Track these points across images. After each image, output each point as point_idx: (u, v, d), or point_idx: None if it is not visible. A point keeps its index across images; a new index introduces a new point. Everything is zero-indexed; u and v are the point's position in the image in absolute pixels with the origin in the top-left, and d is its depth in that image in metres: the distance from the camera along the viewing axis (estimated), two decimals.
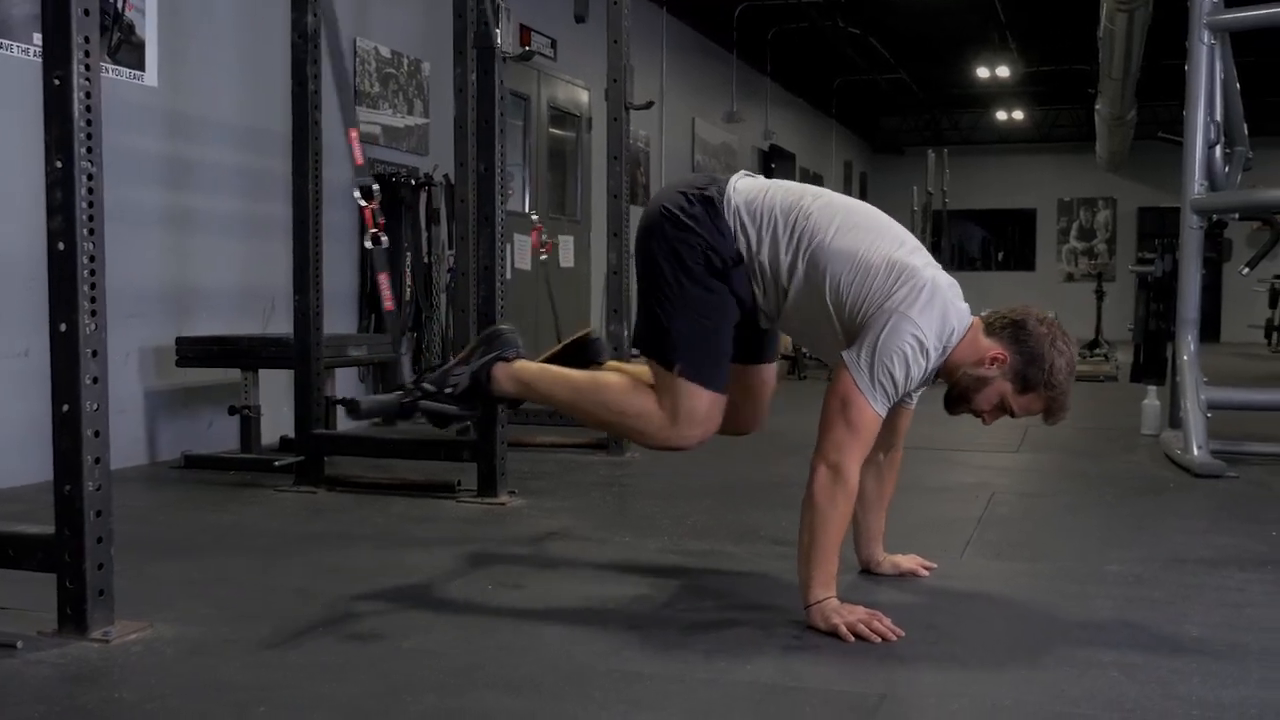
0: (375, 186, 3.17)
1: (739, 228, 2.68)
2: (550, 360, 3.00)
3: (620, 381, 2.82)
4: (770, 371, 3.00)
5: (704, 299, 2.67)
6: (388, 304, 3.12)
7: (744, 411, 2.90)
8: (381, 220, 3.08)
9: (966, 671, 2.30)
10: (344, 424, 5.28)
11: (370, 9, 6.73)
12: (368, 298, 6.56)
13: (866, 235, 2.65)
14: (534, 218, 7.48)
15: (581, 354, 3.02)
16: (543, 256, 6.95)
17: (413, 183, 6.59)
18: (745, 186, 2.74)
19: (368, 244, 3.05)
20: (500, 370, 2.90)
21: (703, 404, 2.68)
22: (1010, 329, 2.65)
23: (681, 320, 2.68)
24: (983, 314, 2.72)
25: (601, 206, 5.61)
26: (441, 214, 6.69)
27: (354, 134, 3.11)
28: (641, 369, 2.84)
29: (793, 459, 4.63)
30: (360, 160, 3.11)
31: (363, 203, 3.08)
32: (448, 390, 2.92)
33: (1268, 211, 6.16)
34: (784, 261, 2.66)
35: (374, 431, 5.49)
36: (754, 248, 2.67)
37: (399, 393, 2.98)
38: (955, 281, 2.68)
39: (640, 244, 2.79)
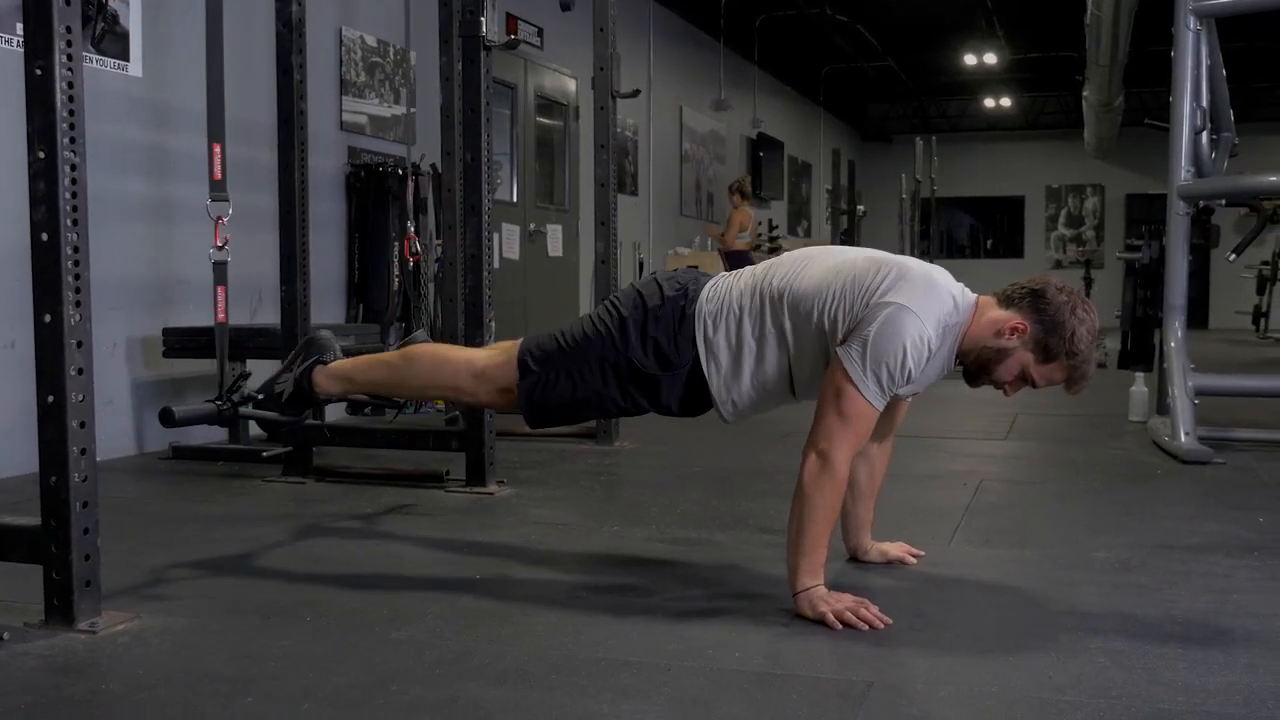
0: (229, 207, 3.34)
1: (704, 326, 2.69)
2: None
3: (430, 348, 3.04)
4: None
5: (609, 356, 2.72)
6: (220, 316, 3.28)
7: None
8: (228, 237, 3.27)
9: (954, 658, 2.31)
10: (332, 414, 5.26)
11: None
12: (355, 288, 6.55)
13: (832, 255, 2.70)
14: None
15: None
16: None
17: (399, 172, 6.57)
18: (706, 295, 2.74)
19: (210, 257, 3.22)
20: (319, 373, 3.05)
21: (510, 378, 2.81)
22: (1030, 298, 2.64)
23: (573, 337, 2.77)
24: (998, 290, 2.72)
25: (590, 195, 5.59)
26: (429, 203, 6.66)
27: (216, 149, 3.22)
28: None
29: (780, 447, 4.64)
30: (218, 175, 3.24)
31: (213, 217, 3.26)
32: (277, 395, 3.07)
33: (1254, 197, 6.17)
34: (770, 328, 2.66)
35: (362, 422, 5.49)
36: (725, 341, 2.68)
37: (216, 401, 3.14)
38: (943, 269, 2.69)
39: (626, 287, 2.88)
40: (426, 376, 2.98)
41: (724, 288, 2.74)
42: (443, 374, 2.95)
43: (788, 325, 2.64)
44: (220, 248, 3.22)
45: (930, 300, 2.55)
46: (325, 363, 3.05)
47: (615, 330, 2.73)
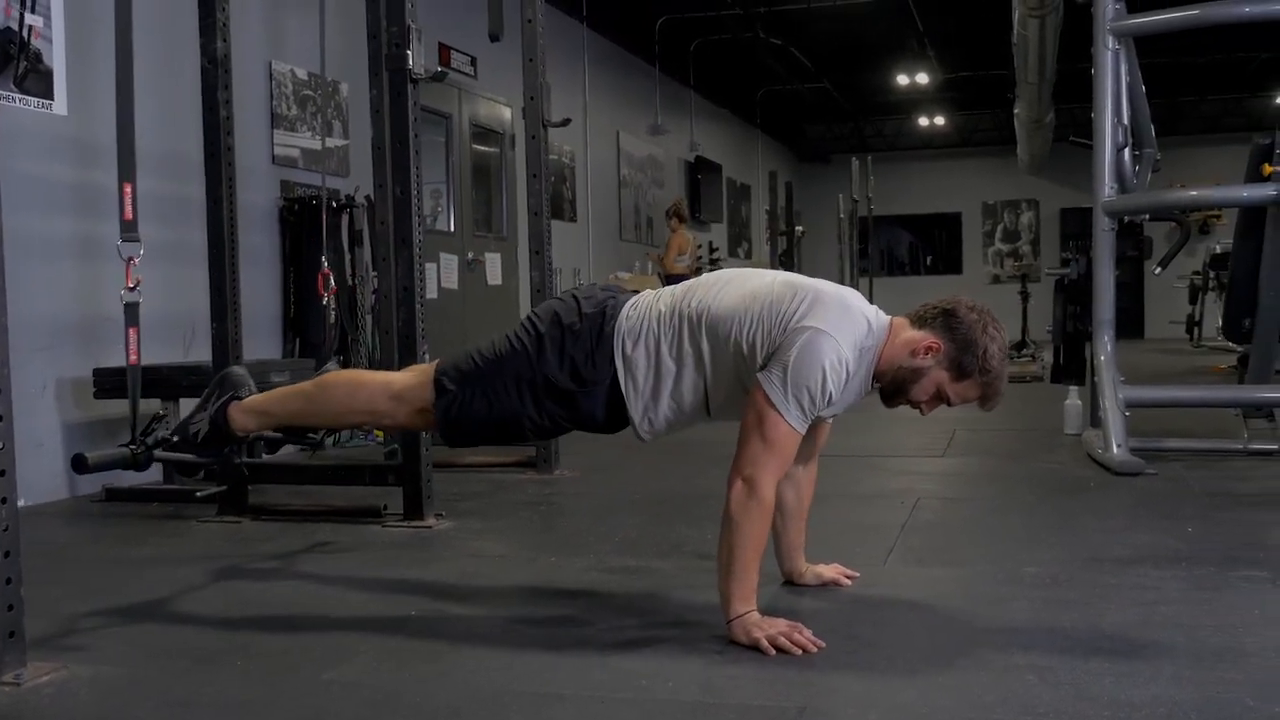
0: (140, 248, 3.33)
1: (623, 351, 2.70)
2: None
3: (343, 376, 3.04)
4: None
5: (524, 374, 2.73)
6: (133, 358, 3.29)
7: None
8: (140, 278, 3.27)
9: (885, 680, 2.33)
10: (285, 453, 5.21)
11: (285, 31, 6.68)
12: (291, 322, 6.50)
13: (749, 279, 2.72)
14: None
15: None
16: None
17: (334, 205, 6.54)
18: (626, 314, 2.76)
19: (122, 298, 3.21)
20: (234, 409, 3.01)
21: (427, 397, 2.81)
22: (942, 318, 2.67)
23: (491, 373, 2.76)
24: (909, 311, 2.75)
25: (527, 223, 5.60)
26: (364, 235, 6.64)
27: (128, 189, 3.22)
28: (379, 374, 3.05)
29: (718, 471, 4.65)
30: (129, 216, 3.25)
31: (124, 258, 3.25)
32: (194, 437, 3.02)
33: (1176, 212, 6.29)
34: (688, 350, 2.68)
35: (298, 458, 5.44)
36: (644, 358, 2.69)
37: (129, 445, 3.08)
38: (856, 292, 2.73)
39: (539, 306, 2.90)
40: (343, 402, 2.96)
41: (644, 307, 2.75)
42: (359, 398, 2.94)
43: (705, 347, 2.66)
44: (132, 289, 3.18)
45: (845, 323, 2.59)
46: (240, 398, 3.02)
47: (532, 348, 2.73)
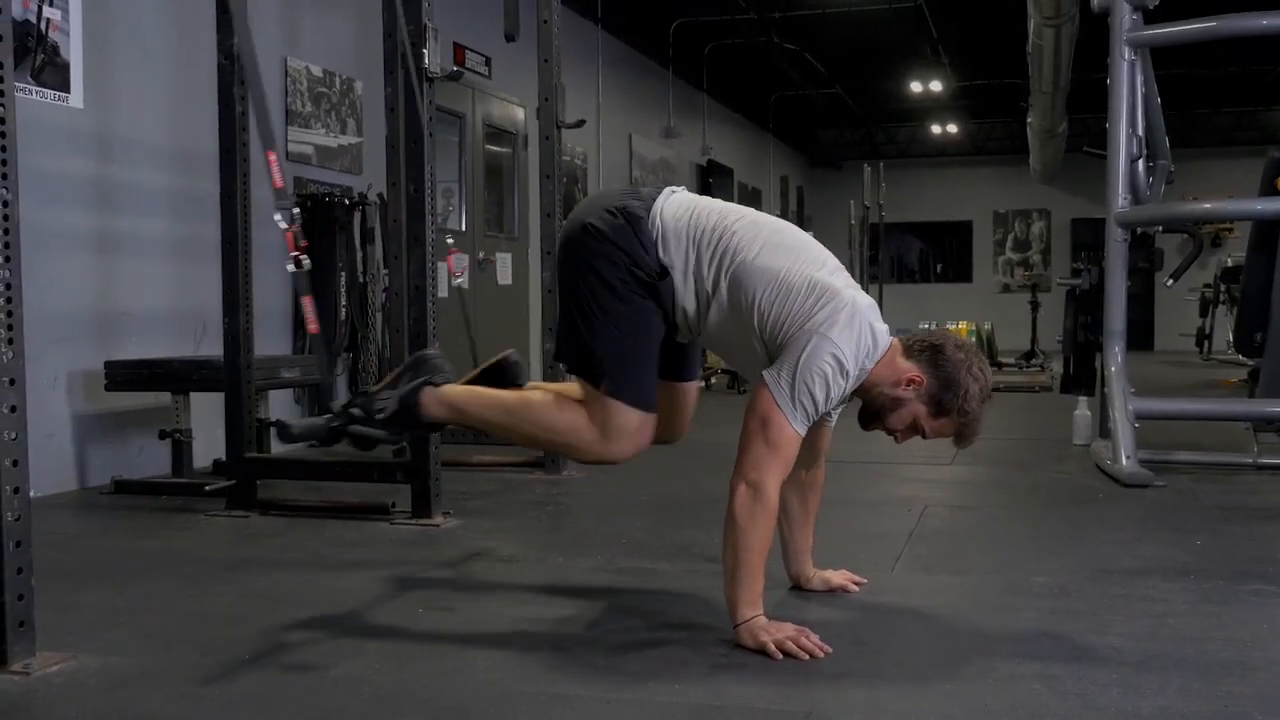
0: (296, 210, 3.14)
1: (661, 242, 2.68)
2: (471, 383, 3.00)
3: (548, 400, 2.83)
4: (693, 390, 3.01)
5: (627, 314, 2.67)
6: (312, 327, 3.08)
7: (670, 423, 2.91)
8: (304, 243, 3.04)
9: (892, 687, 2.33)
10: (277, 447, 5.23)
11: (301, 28, 6.70)
12: (301, 319, 6.51)
13: (789, 255, 2.67)
14: (450, 241, 7.42)
15: (501, 376, 3.02)
16: (457, 281, 6.88)
17: (346, 202, 6.56)
18: (673, 203, 2.75)
19: (290, 267, 3.01)
20: (428, 395, 2.89)
21: (632, 420, 2.68)
22: (929, 353, 2.68)
23: (605, 337, 2.68)
24: (903, 336, 2.75)
25: (539, 223, 5.61)
26: (376, 233, 6.65)
27: (272, 156, 3.07)
28: (569, 385, 2.85)
29: (726, 474, 4.65)
30: (279, 183, 3.07)
31: (284, 225, 3.04)
32: (376, 415, 2.90)
33: (1188, 224, 6.28)
34: (707, 278, 2.67)
35: (307, 454, 5.43)
36: (676, 263, 2.68)
37: (328, 416, 2.96)
38: (874, 303, 2.72)
39: (562, 258, 2.79)
40: (542, 427, 2.81)
41: (685, 210, 2.72)
42: (558, 430, 2.77)
43: (724, 285, 2.65)
44: (297, 257, 3.06)
45: (855, 335, 2.58)
46: (436, 384, 2.91)
47: (609, 295, 2.66)
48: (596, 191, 2.55)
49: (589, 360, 2.70)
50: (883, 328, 2.68)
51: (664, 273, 2.68)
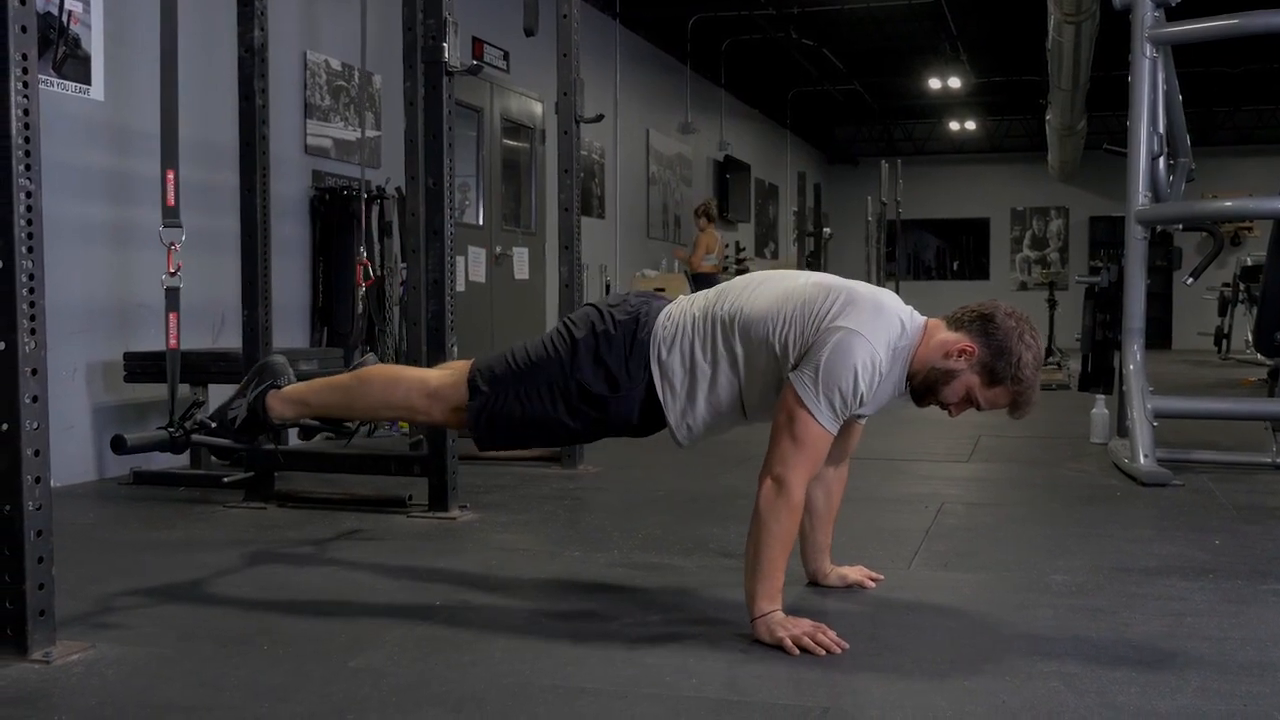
0: (182, 234, 3.35)
1: (659, 356, 2.71)
2: None
3: (382, 369, 3.07)
4: None
5: (559, 390, 2.74)
6: (172, 343, 3.31)
7: None
8: (180, 263, 3.28)
9: (909, 683, 2.32)
10: (295, 439, 5.24)
11: (320, 22, 6.71)
12: (319, 312, 6.53)
13: (783, 280, 2.72)
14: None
15: None
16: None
17: (364, 196, 6.56)
18: (661, 322, 2.76)
19: (163, 283, 3.23)
20: (273, 398, 3.04)
21: (461, 398, 2.83)
22: (979, 322, 2.67)
23: (527, 360, 2.79)
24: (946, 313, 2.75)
25: (556, 218, 5.61)
26: (394, 227, 6.66)
27: (170, 175, 3.25)
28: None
29: (741, 470, 4.66)
30: (171, 202, 3.27)
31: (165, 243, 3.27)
32: (231, 421, 3.06)
33: (1209, 222, 6.25)
34: (723, 351, 2.68)
35: (325, 446, 5.45)
36: (679, 363, 2.70)
37: (168, 428, 3.13)
38: (891, 292, 2.72)
39: (573, 311, 2.92)
40: (379, 396, 2.98)
41: (678, 314, 2.76)
42: (395, 393, 2.95)
43: (739, 349, 2.67)
44: (173, 274, 3.20)
45: (879, 323, 2.58)
46: (279, 387, 3.05)
47: (566, 354, 2.74)
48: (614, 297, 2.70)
49: (496, 369, 2.82)
50: (907, 310, 2.68)
51: (625, 388, 2.72)
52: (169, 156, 3.24)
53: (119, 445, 3.06)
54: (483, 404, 2.80)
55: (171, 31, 3.41)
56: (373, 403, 3.01)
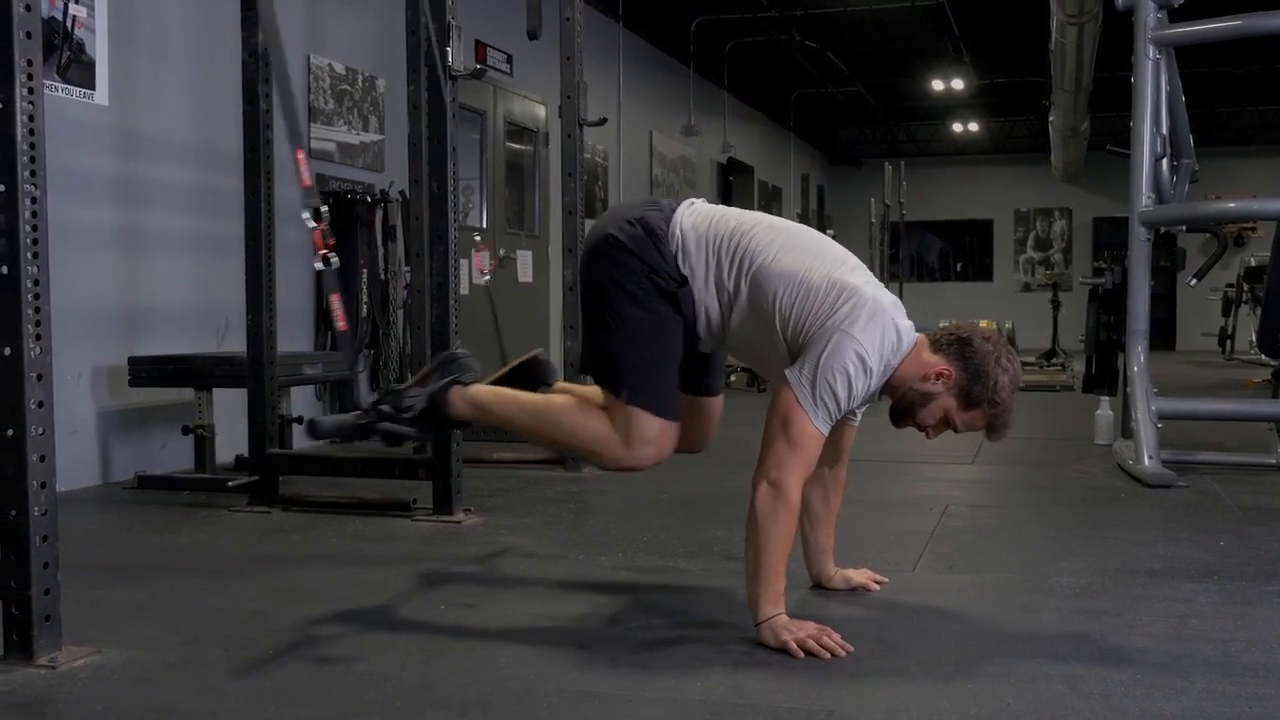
0: (324, 208, 3.15)
1: (681, 252, 2.70)
2: (499, 382, 3.01)
3: (571, 404, 2.84)
4: (718, 403, 3.01)
5: (646, 323, 2.69)
6: (340, 324, 3.10)
7: (694, 434, 2.91)
8: (331, 241, 3.05)
9: (914, 686, 2.32)
10: (299, 443, 5.25)
11: (324, 25, 6.72)
12: (323, 315, 6.54)
13: (808, 256, 2.68)
14: (476, 238, 7.43)
15: (530, 375, 3.03)
16: (484, 278, 6.89)
17: (368, 199, 6.58)
18: (692, 213, 2.76)
19: (318, 265, 3.03)
20: (456, 394, 2.92)
21: (654, 428, 2.69)
22: (956, 345, 2.67)
23: (626, 346, 2.69)
24: (928, 332, 2.75)
25: (560, 221, 5.62)
26: (398, 230, 6.67)
27: (300, 155, 3.08)
28: (593, 390, 2.86)
29: (745, 473, 4.65)
30: (308, 182, 3.08)
31: (312, 224, 3.05)
32: (405, 413, 2.92)
33: (1212, 223, 6.25)
34: (728, 283, 2.68)
35: (328, 450, 5.47)
36: (696, 271, 2.69)
37: (357, 413, 2.98)
38: (898, 300, 2.71)
39: (583, 270, 2.82)
40: (565, 433, 2.83)
41: (704, 219, 2.73)
42: (580, 436, 2.79)
43: (744, 289, 2.66)
44: (325, 256, 3.05)
45: (877, 331, 2.58)
46: (464, 384, 2.93)
47: (628, 302, 2.68)
48: (617, 204, 2.59)
49: (610, 369, 2.72)
50: (907, 324, 2.68)
51: (683, 281, 2.69)
52: (296, 136, 3.15)
53: (314, 429, 3.03)
54: (632, 390, 2.69)
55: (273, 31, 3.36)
56: (557, 436, 2.87)
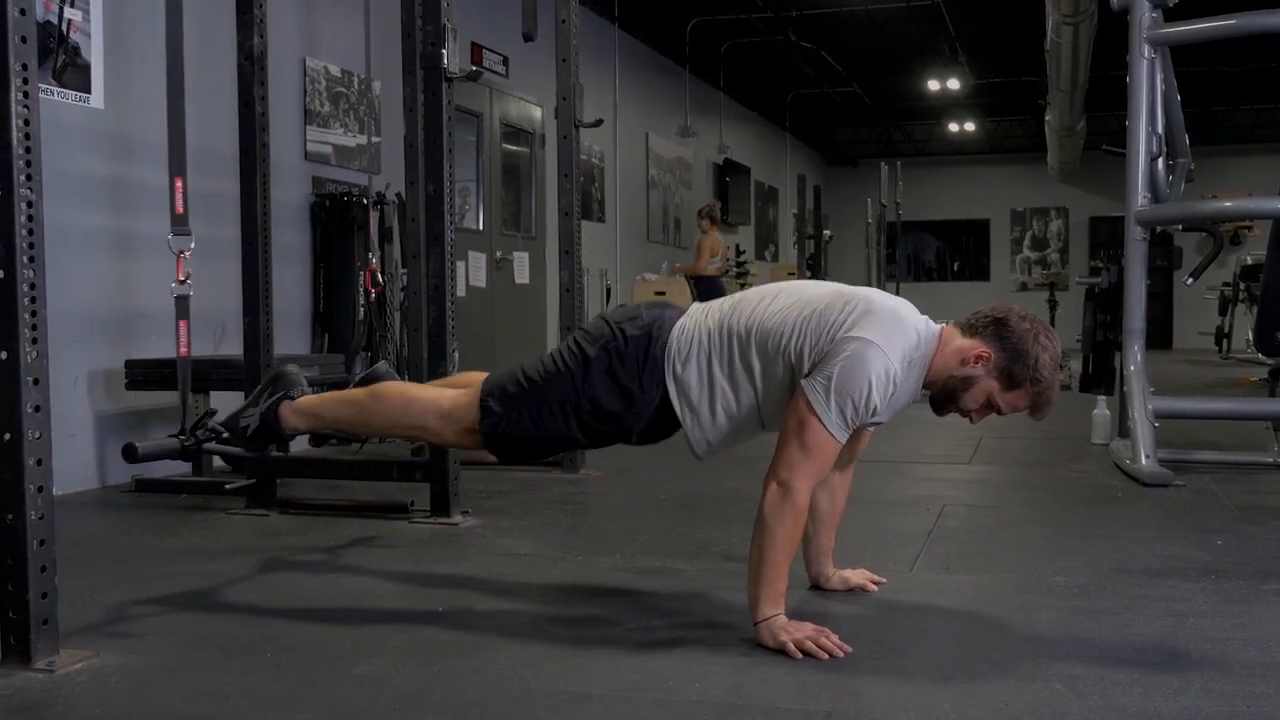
0: (191, 242, 3.30)
1: (674, 371, 2.70)
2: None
3: (395, 389, 2.99)
4: None
5: (576, 378, 2.73)
6: (183, 350, 3.25)
7: None
8: (189, 270, 3.23)
9: (912, 686, 2.33)
10: (296, 445, 5.24)
11: (320, 28, 6.72)
12: (320, 318, 6.54)
13: (798, 290, 2.73)
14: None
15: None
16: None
17: (364, 201, 6.57)
18: (675, 337, 2.75)
19: (172, 291, 3.18)
20: (286, 409, 3.02)
21: (474, 423, 2.81)
22: (993, 326, 2.67)
23: (539, 373, 2.77)
24: (958, 319, 2.74)
25: (556, 223, 5.62)
26: (394, 232, 6.67)
27: (179, 183, 3.18)
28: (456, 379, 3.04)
29: (743, 473, 4.65)
30: (180, 209, 3.21)
31: (175, 251, 3.20)
32: (240, 434, 3.05)
33: (1208, 222, 6.25)
34: (739, 365, 2.67)
35: (327, 453, 5.46)
36: (704, 378, 2.69)
37: (179, 436, 3.13)
38: (907, 302, 2.72)
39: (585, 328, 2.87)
40: (393, 415, 2.96)
41: (693, 325, 2.75)
42: (409, 413, 2.93)
43: (755, 361, 2.66)
44: (182, 282, 3.18)
45: (895, 334, 2.58)
46: (292, 398, 3.03)
47: (578, 370, 2.73)
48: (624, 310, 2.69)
49: (506, 387, 2.80)
50: (923, 319, 2.68)
51: (640, 403, 2.72)
52: (177, 164, 3.22)
53: (130, 454, 3.06)
54: (495, 423, 2.79)
55: (176, 39, 3.39)
56: (386, 421, 2.99)
